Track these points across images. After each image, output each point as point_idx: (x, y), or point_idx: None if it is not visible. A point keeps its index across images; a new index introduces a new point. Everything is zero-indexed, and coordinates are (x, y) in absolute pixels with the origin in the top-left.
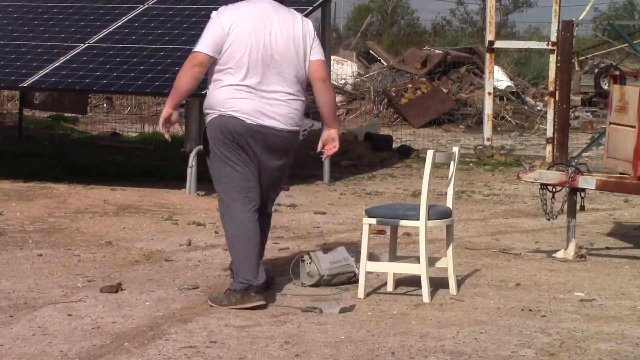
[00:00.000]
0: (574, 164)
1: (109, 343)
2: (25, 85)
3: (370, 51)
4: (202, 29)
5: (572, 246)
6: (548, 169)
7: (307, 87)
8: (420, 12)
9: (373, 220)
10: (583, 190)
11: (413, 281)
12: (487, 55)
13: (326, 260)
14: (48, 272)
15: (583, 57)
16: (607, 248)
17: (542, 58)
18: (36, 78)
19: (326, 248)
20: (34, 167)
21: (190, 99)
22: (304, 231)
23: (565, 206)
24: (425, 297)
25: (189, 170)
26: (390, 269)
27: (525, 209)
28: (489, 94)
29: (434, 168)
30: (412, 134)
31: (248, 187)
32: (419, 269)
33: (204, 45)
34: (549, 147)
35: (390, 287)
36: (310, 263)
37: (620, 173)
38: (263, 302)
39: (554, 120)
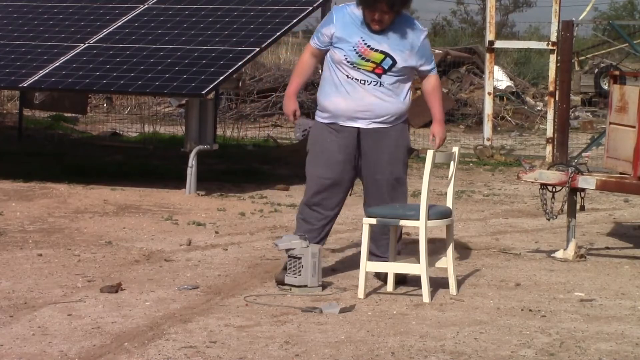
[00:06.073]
0: (574, 164)
1: (109, 343)
2: (25, 85)
3: None
4: (202, 29)
5: (572, 246)
6: (548, 169)
7: (306, 87)
8: (420, 12)
9: (373, 220)
10: (583, 190)
11: (413, 281)
12: (487, 55)
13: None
14: (48, 272)
15: (583, 57)
16: (607, 248)
17: (542, 58)
18: (36, 78)
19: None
20: (34, 167)
21: (189, 99)
22: None
23: (565, 206)
24: (425, 297)
25: (188, 170)
26: (390, 269)
27: (525, 209)
28: (489, 94)
29: (434, 168)
30: (412, 134)
31: None
32: (419, 269)
33: None
34: (549, 147)
35: (390, 287)
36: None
37: (620, 173)
38: None
39: (554, 120)
